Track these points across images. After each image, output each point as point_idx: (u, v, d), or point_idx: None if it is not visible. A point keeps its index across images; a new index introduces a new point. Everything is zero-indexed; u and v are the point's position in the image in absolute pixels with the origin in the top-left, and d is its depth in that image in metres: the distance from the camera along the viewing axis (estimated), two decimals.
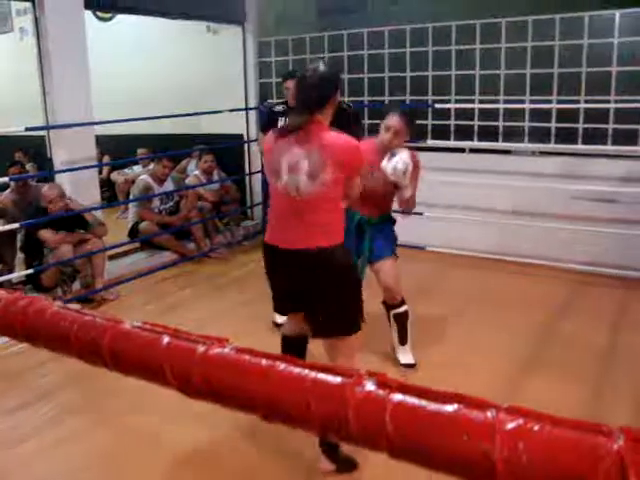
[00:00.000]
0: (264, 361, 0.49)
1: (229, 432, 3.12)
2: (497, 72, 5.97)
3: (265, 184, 6.32)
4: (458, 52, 6.16)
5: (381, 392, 0.45)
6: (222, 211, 6.87)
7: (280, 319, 3.97)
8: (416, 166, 3.50)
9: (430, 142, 6.13)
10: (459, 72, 6.16)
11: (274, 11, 7.22)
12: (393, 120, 3.48)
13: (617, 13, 5.47)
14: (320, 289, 2.62)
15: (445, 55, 6.21)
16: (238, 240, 6.90)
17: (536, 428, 0.40)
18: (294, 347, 2.96)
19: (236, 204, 7.13)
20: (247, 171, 7.34)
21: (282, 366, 0.49)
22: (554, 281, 5.33)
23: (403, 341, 3.83)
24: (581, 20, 5.59)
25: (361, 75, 6.73)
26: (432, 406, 0.43)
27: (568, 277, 5.34)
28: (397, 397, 0.44)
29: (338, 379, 0.46)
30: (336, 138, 2.53)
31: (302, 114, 2.56)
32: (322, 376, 0.47)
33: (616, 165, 5.44)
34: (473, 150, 6.17)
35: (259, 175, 6.72)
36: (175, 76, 7.50)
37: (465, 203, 5.99)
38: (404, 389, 0.44)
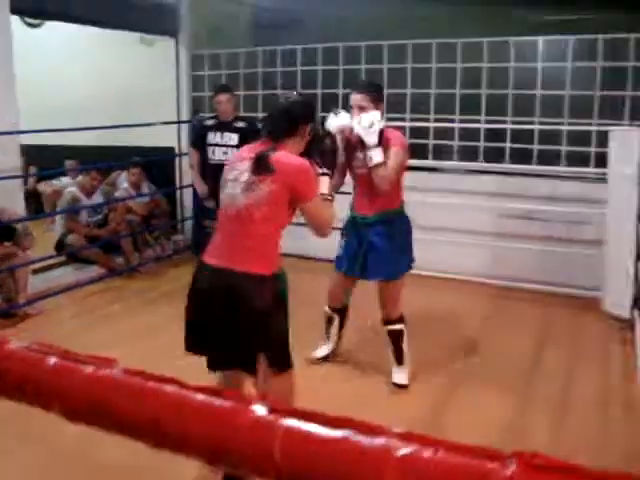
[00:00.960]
0: (151, 383, 0.47)
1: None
2: (428, 91, 6.09)
3: (196, 198, 6.28)
4: (390, 71, 6.26)
5: (271, 417, 0.43)
6: (152, 225, 6.75)
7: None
8: (394, 139, 3.44)
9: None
10: (391, 90, 6.25)
11: (208, 24, 7.18)
12: (354, 98, 3.47)
13: (540, 39, 5.68)
14: (225, 312, 2.47)
15: (377, 73, 6.30)
16: (168, 254, 6.78)
17: (429, 454, 0.39)
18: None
19: (166, 218, 7.02)
20: (178, 184, 7.24)
21: (170, 389, 0.46)
22: (479, 296, 5.45)
23: (398, 360, 3.76)
24: (507, 44, 5.78)
25: (294, 91, 6.75)
26: (323, 432, 0.42)
27: (492, 292, 5.46)
28: (287, 422, 0.43)
29: (227, 403, 0.45)
30: (286, 157, 2.47)
31: (268, 141, 2.53)
32: (210, 400, 0.45)
33: (540, 184, 5.61)
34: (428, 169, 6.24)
35: (190, 189, 6.64)
36: (107, 87, 7.33)
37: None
38: (295, 414, 0.43)
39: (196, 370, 3.77)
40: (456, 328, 4.71)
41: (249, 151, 2.55)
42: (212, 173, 5.36)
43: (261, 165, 2.42)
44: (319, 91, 6.62)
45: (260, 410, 0.44)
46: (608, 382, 3.91)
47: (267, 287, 2.46)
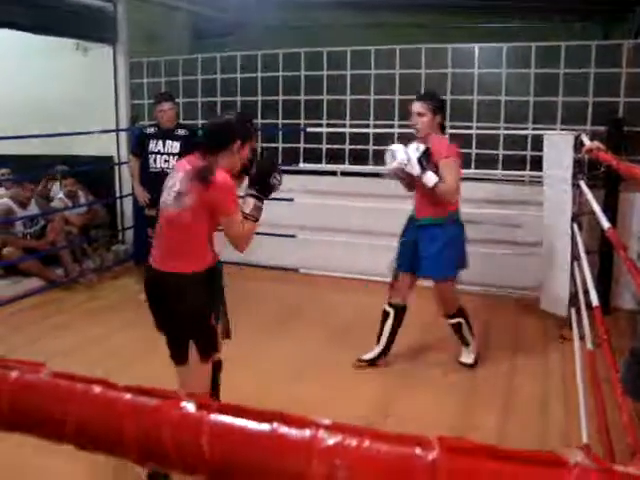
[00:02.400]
0: (79, 385, 0.46)
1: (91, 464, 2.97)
2: (367, 97, 6.16)
3: (137, 208, 6.18)
4: (330, 77, 6.31)
5: (198, 413, 0.43)
6: (91, 235, 6.61)
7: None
8: (442, 152, 3.69)
9: (302, 165, 6.20)
10: (331, 97, 6.30)
11: (146, 31, 7.10)
12: (414, 105, 3.78)
13: (476, 46, 5.82)
14: (161, 310, 2.76)
15: (317, 79, 6.34)
16: (108, 265, 6.66)
17: (354, 444, 0.39)
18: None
19: (106, 228, 6.89)
20: (118, 194, 7.11)
21: (97, 390, 0.46)
22: (422, 299, 5.51)
23: (464, 343, 4.16)
24: (445, 51, 5.89)
25: (235, 98, 6.74)
26: (250, 425, 0.42)
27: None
28: (214, 418, 0.43)
29: (154, 401, 0.44)
30: (204, 183, 2.61)
31: (202, 155, 2.69)
32: (138, 398, 0.44)
33: (478, 188, 5.73)
34: (344, 173, 6.31)
35: (130, 198, 6.54)
36: (43, 94, 7.13)
37: (338, 225, 6.08)
38: (223, 409, 0.43)
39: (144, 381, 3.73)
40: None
41: (187, 162, 2.73)
42: (153, 181, 5.29)
43: (201, 177, 2.58)
44: (259, 98, 6.62)
45: (188, 406, 0.44)
46: (548, 379, 4.02)
47: (192, 283, 2.68)
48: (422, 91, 4.84)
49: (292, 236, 6.08)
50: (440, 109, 3.83)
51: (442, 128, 3.92)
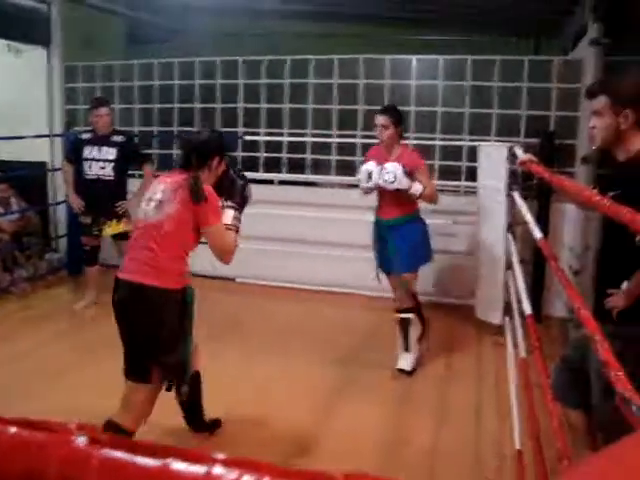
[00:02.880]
0: None
1: None
2: (305, 107, 6.17)
3: (71, 216, 6.02)
4: (268, 86, 6.30)
5: (88, 448, 0.41)
6: (23, 243, 6.39)
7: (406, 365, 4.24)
8: (414, 162, 4.05)
9: None
10: (269, 105, 6.29)
11: (82, 35, 6.94)
12: (378, 119, 4.05)
13: (414, 58, 5.90)
14: (131, 323, 2.69)
15: (254, 88, 6.32)
16: (41, 274, 6.46)
17: None
18: (193, 382, 3.01)
19: (38, 235, 6.68)
20: (52, 201, 6.90)
21: None
22: (356, 309, 5.55)
23: (405, 347, 4.24)
24: (383, 62, 5.96)
25: (172, 105, 6.65)
26: (141, 461, 0.39)
27: (371, 304, 5.55)
28: (103, 453, 0.40)
29: (42, 436, 0.42)
30: (190, 199, 2.66)
31: (183, 172, 2.77)
32: (24, 433, 0.42)
33: None
34: (282, 182, 6.29)
35: (64, 205, 6.37)
36: None
37: (274, 235, 6.02)
38: (115, 444, 0.41)
39: (66, 394, 3.63)
40: (334, 340, 4.76)
41: (170, 178, 2.78)
42: (88, 188, 5.23)
43: (197, 196, 2.63)
44: (197, 105, 6.55)
45: (77, 441, 0.41)
46: (482, 386, 4.08)
47: (170, 301, 2.66)
48: (386, 104, 4.97)
49: None
50: (401, 121, 4.17)
51: (401, 137, 4.25)
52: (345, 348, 4.64)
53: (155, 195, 2.71)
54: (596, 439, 2.56)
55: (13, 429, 0.42)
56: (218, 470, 0.38)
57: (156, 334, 2.64)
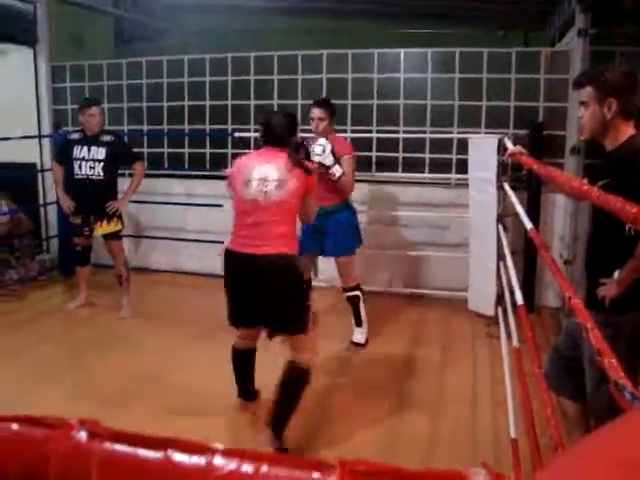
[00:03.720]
0: None
1: None
2: (295, 102, 6.16)
3: (61, 216, 6.01)
4: (257, 82, 6.29)
5: (88, 442, 0.41)
6: (13, 244, 6.37)
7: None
8: (342, 149, 4.28)
9: (229, 171, 6.13)
10: (257, 102, 6.28)
11: (69, 35, 6.91)
12: (315, 112, 4.31)
13: (402, 51, 5.90)
14: (279, 292, 3.01)
15: (244, 84, 6.31)
16: (33, 275, 6.44)
17: (250, 470, 0.38)
18: (247, 358, 3.41)
19: (29, 236, 6.65)
20: (42, 201, 6.88)
21: None
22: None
23: (357, 322, 4.55)
24: (371, 56, 5.96)
25: (161, 103, 6.63)
26: (142, 454, 0.40)
27: (369, 298, 5.56)
28: (104, 446, 0.41)
29: (43, 431, 0.42)
30: (300, 170, 3.07)
31: (274, 149, 3.13)
32: (26, 429, 0.42)
33: (405, 191, 5.81)
34: None
35: (55, 206, 6.36)
36: None
37: None
38: (116, 437, 0.41)
39: (60, 396, 3.63)
40: (328, 333, 4.76)
41: (267, 156, 3.12)
42: (78, 188, 5.21)
43: (300, 166, 3.06)
44: (186, 103, 6.53)
45: (78, 436, 0.42)
46: (477, 377, 4.10)
47: (295, 265, 3.08)
48: (323, 97, 5.04)
49: (222, 242, 6.01)
50: (334, 113, 4.45)
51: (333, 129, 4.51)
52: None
53: (270, 176, 3.02)
54: (590, 427, 2.58)
55: (15, 426, 0.42)
56: (218, 460, 0.39)
57: (301, 288, 3.12)
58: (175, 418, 3.39)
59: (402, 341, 4.72)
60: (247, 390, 3.54)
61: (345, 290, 4.55)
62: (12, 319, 5.28)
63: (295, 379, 3.10)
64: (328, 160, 4.12)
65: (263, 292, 2.99)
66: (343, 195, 4.39)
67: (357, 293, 4.54)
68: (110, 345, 4.63)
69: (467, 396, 3.83)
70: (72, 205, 5.21)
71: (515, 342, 3.32)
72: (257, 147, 6.29)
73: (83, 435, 0.41)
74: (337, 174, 4.17)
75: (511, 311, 3.73)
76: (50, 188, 6.62)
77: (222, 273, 3.17)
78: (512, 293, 3.32)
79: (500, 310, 4.56)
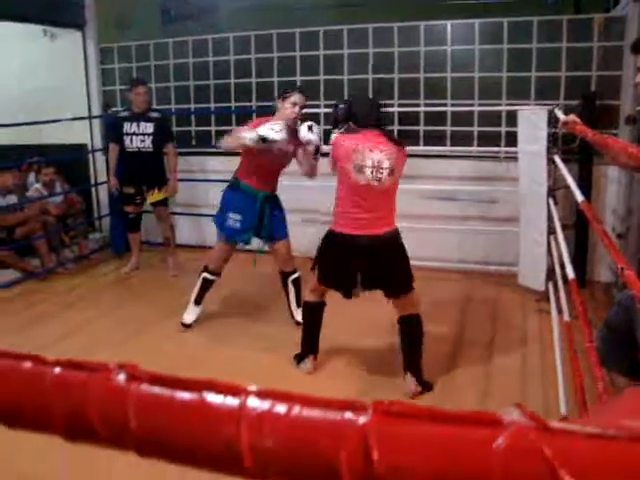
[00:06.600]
0: (8, 362, 0.45)
1: None
2: (342, 77, 6.12)
3: (112, 196, 6.16)
4: (303, 57, 6.26)
5: (126, 385, 0.42)
6: (68, 224, 6.53)
7: (189, 319, 4.53)
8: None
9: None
10: (304, 77, 6.25)
11: (116, 16, 6.99)
12: (300, 98, 4.15)
13: (448, 23, 5.79)
14: (393, 261, 3.44)
15: (290, 60, 6.29)
16: (86, 254, 6.60)
17: (283, 410, 0.38)
18: (321, 310, 3.74)
19: (82, 216, 6.81)
20: (93, 182, 7.01)
21: (27, 365, 0.45)
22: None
23: (299, 303, 4.41)
24: (417, 29, 5.86)
25: (208, 82, 6.67)
26: (177, 395, 0.41)
27: (417, 274, 5.52)
28: (140, 388, 0.42)
29: (83, 374, 0.43)
30: (399, 149, 3.39)
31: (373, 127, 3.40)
32: (65, 372, 0.43)
33: (453, 165, 5.74)
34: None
35: (105, 186, 6.50)
36: (9, 83, 7.01)
37: (301, 206, 5.83)
38: (153, 380, 0.42)
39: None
40: (382, 309, 4.76)
41: (373, 142, 3.34)
42: (130, 160, 5.67)
43: (400, 144, 3.41)
44: (232, 81, 6.55)
45: (117, 379, 0.43)
46: (527, 352, 4.05)
47: (400, 236, 3.49)
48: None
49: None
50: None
51: None
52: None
53: (383, 164, 3.29)
54: None
55: (57, 369, 0.44)
56: (252, 401, 0.39)
57: (407, 258, 3.48)
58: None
59: (451, 316, 4.68)
60: (316, 344, 3.80)
61: (288, 274, 4.51)
62: (70, 296, 5.44)
63: (417, 327, 3.54)
64: (282, 135, 3.93)
65: (382, 264, 3.40)
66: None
67: (299, 274, 4.52)
68: (168, 312, 4.76)
69: (517, 371, 3.79)
70: (116, 183, 5.76)
71: (566, 317, 3.27)
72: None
73: (122, 378, 0.42)
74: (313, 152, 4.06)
75: (562, 286, 3.68)
76: (101, 168, 6.76)
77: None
78: (563, 267, 3.26)
79: (551, 285, 4.49)
